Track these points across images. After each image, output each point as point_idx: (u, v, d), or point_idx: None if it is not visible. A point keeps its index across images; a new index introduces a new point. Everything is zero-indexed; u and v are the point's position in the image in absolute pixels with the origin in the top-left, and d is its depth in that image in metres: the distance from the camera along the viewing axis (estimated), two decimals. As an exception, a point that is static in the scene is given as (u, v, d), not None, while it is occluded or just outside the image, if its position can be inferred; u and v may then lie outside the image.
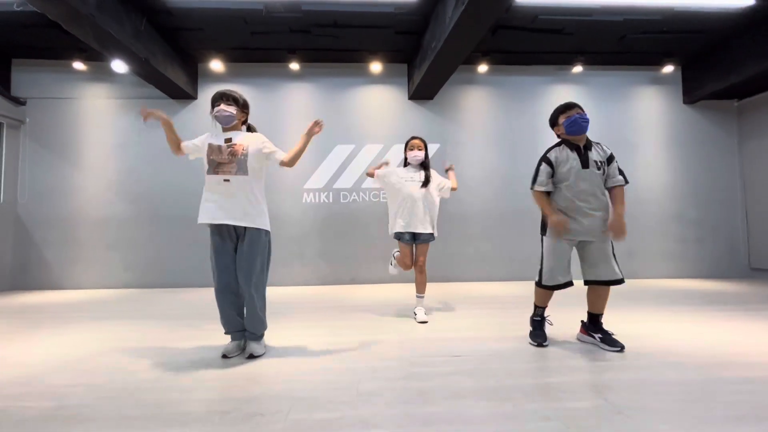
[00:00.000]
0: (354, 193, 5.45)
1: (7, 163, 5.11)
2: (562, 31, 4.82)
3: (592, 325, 2.39)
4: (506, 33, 4.82)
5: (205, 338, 2.56)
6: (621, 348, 2.22)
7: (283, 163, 2.24)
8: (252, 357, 2.15)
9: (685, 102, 5.83)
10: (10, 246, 5.12)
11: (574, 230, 2.26)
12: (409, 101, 5.60)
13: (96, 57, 4.98)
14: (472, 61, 5.32)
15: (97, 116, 5.36)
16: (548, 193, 2.35)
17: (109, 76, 5.28)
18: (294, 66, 5.35)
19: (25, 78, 5.30)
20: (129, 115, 5.36)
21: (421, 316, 3.01)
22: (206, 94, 5.35)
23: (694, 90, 5.64)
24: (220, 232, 2.18)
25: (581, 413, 1.47)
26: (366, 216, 5.39)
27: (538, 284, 2.39)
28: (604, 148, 2.36)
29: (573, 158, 2.27)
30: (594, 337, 2.34)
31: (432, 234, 3.06)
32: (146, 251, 5.25)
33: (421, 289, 3.13)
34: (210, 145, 2.18)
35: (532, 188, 2.36)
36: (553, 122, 2.41)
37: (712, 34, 4.91)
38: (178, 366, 2.05)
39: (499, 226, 5.50)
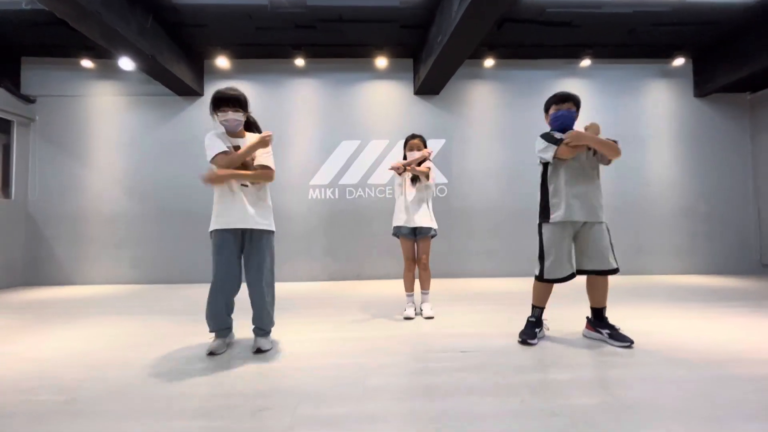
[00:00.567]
0: (360, 189, 5.45)
1: (18, 160, 5.18)
2: (570, 24, 4.75)
3: (598, 320, 2.36)
4: (513, 26, 4.76)
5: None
6: (630, 343, 2.19)
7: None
8: (260, 351, 2.17)
9: (696, 95, 5.72)
10: (22, 242, 5.20)
11: (570, 210, 2.23)
12: (415, 96, 5.57)
13: (103, 54, 5.01)
14: (479, 55, 5.27)
15: (105, 113, 5.40)
16: (546, 169, 2.34)
17: (117, 73, 5.31)
18: (299, 62, 5.33)
19: (34, 76, 5.35)
20: (136, 111, 5.40)
21: (427, 312, 3.02)
22: (212, 90, 5.29)
23: (706, 83, 5.54)
24: (226, 232, 2.19)
25: (588, 409, 1.46)
26: (372, 212, 5.39)
27: (539, 278, 2.34)
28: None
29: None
30: (602, 333, 2.31)
31: (430, 228, 3.06)
32: (153, 248, 5.30)
33: (425, 286, 3.14)
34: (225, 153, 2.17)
35: (555, 155, 2.24)
36: (546, 109, 2.43)
37: (723, 26, 4.81)
38: (186, 361, 2.07)
39: (505, 221, 5.46)
